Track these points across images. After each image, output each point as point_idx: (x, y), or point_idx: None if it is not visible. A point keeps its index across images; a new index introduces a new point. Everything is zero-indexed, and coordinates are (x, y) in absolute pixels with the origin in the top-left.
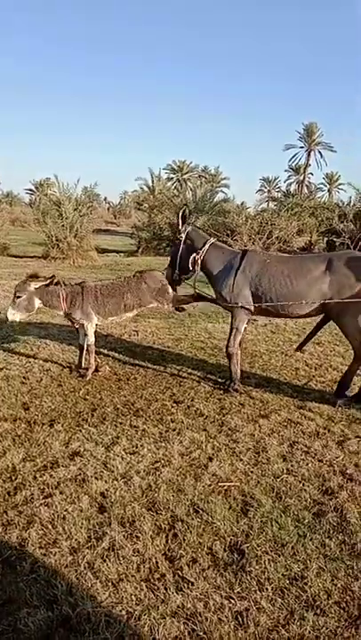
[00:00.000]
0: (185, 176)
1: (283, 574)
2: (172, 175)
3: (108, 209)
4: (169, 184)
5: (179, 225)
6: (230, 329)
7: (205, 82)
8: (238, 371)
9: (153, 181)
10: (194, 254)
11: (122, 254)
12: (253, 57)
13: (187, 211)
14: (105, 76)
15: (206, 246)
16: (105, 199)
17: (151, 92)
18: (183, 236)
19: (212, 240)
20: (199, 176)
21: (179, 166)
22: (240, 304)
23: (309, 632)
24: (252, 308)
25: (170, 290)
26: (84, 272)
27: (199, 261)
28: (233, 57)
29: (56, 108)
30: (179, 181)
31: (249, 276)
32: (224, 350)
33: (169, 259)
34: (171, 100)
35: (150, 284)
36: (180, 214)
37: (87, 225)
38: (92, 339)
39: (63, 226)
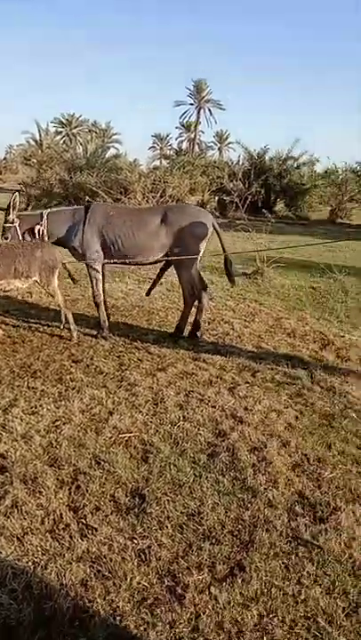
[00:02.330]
0: (74, 130)
1: (181, 512)
2: (60, 129)
3: None
4: (57, 138)
5: (9, 214)
6: (90, 279)
7: (100, 26)
8: (105, 318)
9: (41, 135)
10: (37, 227)
11: None
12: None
13: (17, 198)
14: None
15: (44, 215)
16: None
17: (41, 36)
18: (17, 221)
19: (47, 210)
20: (89, 131)
21: (68, 120)
22: (92, 255)
23: (206, 559)
24: (103, 258)
25: (56, 273)
26: None
27: (44, 230)
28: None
29: None
30: (68, 136)
31: (95, 227)
32: (91, 300)
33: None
34: (59, 46)
35: (45, 255)
36: (12, 201)
37: None
38: None
39: None
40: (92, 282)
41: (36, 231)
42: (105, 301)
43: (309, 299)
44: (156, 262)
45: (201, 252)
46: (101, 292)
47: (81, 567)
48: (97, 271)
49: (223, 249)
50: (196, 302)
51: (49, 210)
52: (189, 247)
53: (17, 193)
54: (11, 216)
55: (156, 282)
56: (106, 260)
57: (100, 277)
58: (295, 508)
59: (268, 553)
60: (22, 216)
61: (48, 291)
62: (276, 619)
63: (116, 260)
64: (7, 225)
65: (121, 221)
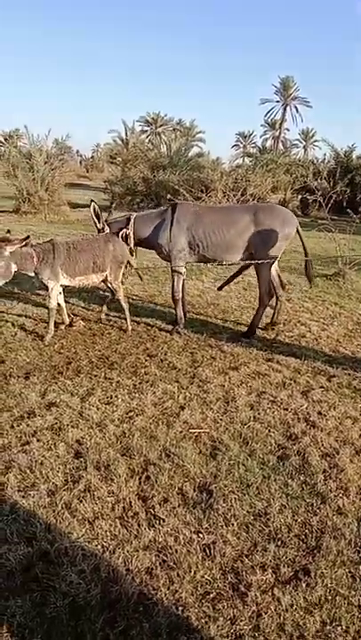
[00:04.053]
0: (159, 129)
1: (247, 511)
2: (146, 128)
3: (81, 162)
4: (143, 137)
5: (96, 223)
6: (172, 277)
7: (183, 32)
8: (182, 315)
9: (127, 134)
10: (124, 230)
11: None
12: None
13: (96, 207)
14: (75, 22)
15: (132, 219)
16: (77, 152)
17: (127, 41)
18: (107, 228)
19: (134, 214)
20: (174, 129)
21: (153, 119)
22: (178, 254)
23: (270, 561)
24: (188, 257)
25: (123, 268)
26: (57, 227)
27: (131, 234)
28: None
29: (28, 59)
30: (153, 134)
31: (182, 226)
32: (170, 298)
33: None
34: (147, 50)
35: (116, 249)
36: (93, 211)
37: (59, 178)
38: (54, 302)
39: (34, 179)
40: (173, 279)
41: (122, 234)
42: (183, 298)
43: None
44: (240, 262)
45: (281, 252)
46: (181, 289)
47: (147, 555)
48: (181, 269)
49: (305, 250)
50: (272, 302)
51: (136, 214)
52: (274, 247)
53: (93, 203)
54: (99, 224)
55: (231, 279)
56: (192, 259)
57: (183, 276)
58: None
59: (335, 560)
60: (111, 222)
61: (114, 285)
62: (339, 628)
63: (202, 259)
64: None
65: (209, 220)
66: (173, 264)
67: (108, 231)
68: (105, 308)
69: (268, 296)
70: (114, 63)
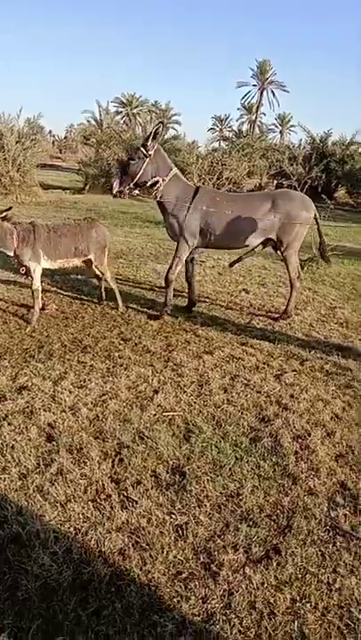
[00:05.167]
0: (134, 110)
1: (220, 492)
2: (120, 109)
3: (54, 143)
4: (117, 118)
5: (149, 140)
6: (173, 257)
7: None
8: (172, 297)
9: (101, 115)
10: (158, 178)
11: (68, 191)
12: None
13: (161, 127)
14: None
15: (171, 174)
16: (50, 132)
17: (98, 19)
18: (152, 152)
19: (176, 170)
20: (149, 111)
21: (128, 100)
22: (189, 238)
23: (242, 540)
24: (198, 241)
25: (106, 252)
26: (29, 209)
27: (161, 188)
28: None
29: None
30: (128, 116)
31: (199, 211)
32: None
33: (121, 170)
34: (120, 29)
35: (99, 235)
36: (154, 130)
37: (31, 159)
38: (37, 283)
39: (5, 159)
40: (174, 260)
41: (152, 181)
42: (172, 275)
43: None
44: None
45: (302, 237)
46: (176, 273)
47: (120, 537)
48: (185, 252)
49: (320, 234)
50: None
51: (176, 170)
52: (297, 233)
53: (160, 123)
54: (151, 143)
55: (242, 258)
56: (202, 245)
57: (184, 260)
58: (336, 498)
59: (306, 540)
60: (161, 155)
61: (100, 268)
62: (308, 604)
63: (217, 245)
64: (147, 152)
65: (228, 207)
66: (179, 246)
67: (152, 154)
68: (103, 294)
69: (299, 280)
70: (89, 44)
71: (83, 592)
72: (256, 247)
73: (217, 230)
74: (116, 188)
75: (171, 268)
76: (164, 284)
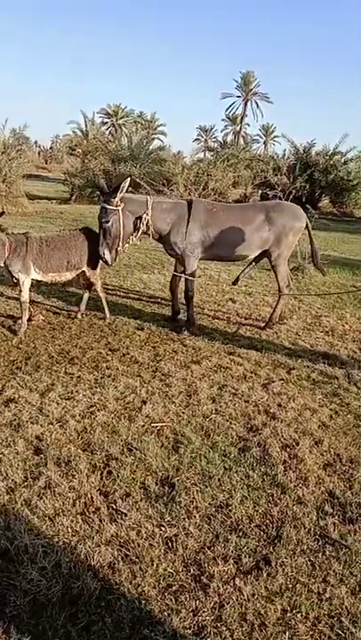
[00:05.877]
0: (120, 121)
1: (209, 503)
2: (106, 120)
3: (39, 153)
4: (103, 129)
5: (111, 195)
6: (185, 278)
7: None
8: (193, 314)
9: (86, 125)
10: (142, 215)
11: (54, 201)
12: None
13: (126, 184)
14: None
15: (150, 204)
16: (35, 143)
17: (85, 29)
18: (120, 204)
19: (153, 197)
20: (135, 122)
21: (114, 110)
22: (192, 251)
23: (232, 551)
24: (201, 254)
25: (100, 263)
26: (15, 219)
27: (149, 220)
28: None
29: None
30: (114, 126)
31: (197, 224)
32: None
33: (102, 235)
34: (107, 40)
35: (92, 247)
36: (120, 185)
37: (16, 169)
38: (26, 295)
39: None
40: (187, 281)
41: (137, 222)
42: (190, 292)
43: (350, 297)
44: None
45: (293, 246)
46: (194, 288)
47: (109, 550)
48: (194, 267)
49: (312, 243)
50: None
51: (153, 198)
52: (289, 242)
53: (130, 177)
54: (116, 199)
55: (244, 272)
56: (202, 257)
57: (196, 274)
58: (325, 507)
59: (295, 549)
60: (130, 198)
61: (92, 280)
62: (299, 615)
63: (215, 257)
64: (114, 207)
65: (225, 218)
66: (187, 262)
67: (122, 206)
68: (83, 307)
69: (288, 288)
70: (74, 54)
71: (72, 607)
72: (255, 259)
73: (217, 240)
74: (107, 256)
75: (187, 287)
76: (184, 298)
